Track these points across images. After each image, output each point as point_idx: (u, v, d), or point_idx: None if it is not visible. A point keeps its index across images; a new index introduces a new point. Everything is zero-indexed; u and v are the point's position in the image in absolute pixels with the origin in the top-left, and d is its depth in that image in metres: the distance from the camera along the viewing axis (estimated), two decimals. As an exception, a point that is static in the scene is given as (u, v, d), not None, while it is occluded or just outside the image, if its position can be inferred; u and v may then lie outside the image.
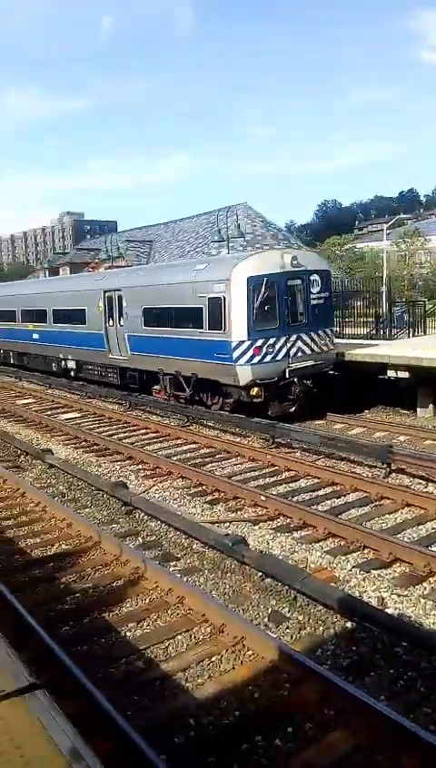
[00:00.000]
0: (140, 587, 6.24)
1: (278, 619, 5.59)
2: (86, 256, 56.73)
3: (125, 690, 4.62)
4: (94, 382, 19.68)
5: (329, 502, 8.59)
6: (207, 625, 5.44)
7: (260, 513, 8.27)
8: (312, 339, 14.17)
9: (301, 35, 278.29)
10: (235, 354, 13.13)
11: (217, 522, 8.03)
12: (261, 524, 7.91)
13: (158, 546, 7.41)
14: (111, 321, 17.87)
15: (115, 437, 12.98)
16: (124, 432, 13.66)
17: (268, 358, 13.28)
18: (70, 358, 20.76)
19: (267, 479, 9.75)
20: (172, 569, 6.67)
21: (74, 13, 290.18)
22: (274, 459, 10.54)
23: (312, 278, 14.28)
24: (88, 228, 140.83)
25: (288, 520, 7.91)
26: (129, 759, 3.72)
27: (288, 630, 5.41)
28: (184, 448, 11.99)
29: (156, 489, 9.50)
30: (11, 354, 25.74)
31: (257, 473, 10.10)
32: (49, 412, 16.13)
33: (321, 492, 9.02)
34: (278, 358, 13.43)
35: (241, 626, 5.23)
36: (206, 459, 11.07)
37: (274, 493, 8.86)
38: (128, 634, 5.46)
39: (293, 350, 13.73)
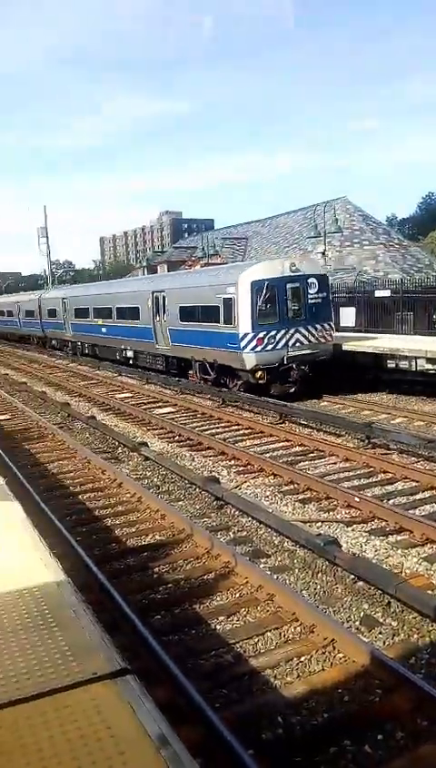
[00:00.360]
0: (230, 582, 6.29)
1: (370, 624, 5.44)
2: (183, 254, 57.78)
3: (214, 682, 4.67)
4: (147, 369, 22.57)
5: (428, 507, 8.26)
6: (297, 624, 5.39)
7: (353, 514, 8.10)
8: (309, 332, 16.74)
9: (408, 26, 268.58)
10: (242, 343, 16.06)
11: (309, 521, 7.94)
12: (354, 525, 7.74)
13: (249, 542, 7.43)
14: (157, 317, 21.02)
15: (208, 432, 13.15)
16: (217, 428, 13.81)
17: (269, 347, 16.07)
18: (129, 348, 24.21)
19: (361, 480, 9.52)
20: (262, 566, 6.67)
21: (175, 14, 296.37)
22: (369, 460, 10.28)
23: (309, 281, 16.84)
24: (186, 226, 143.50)
25: (383, 523, 7.69)
26: (216, 750, 3.76)
27: (381, 636, 5.26)
28: (277, 445, 11.96)
29: (248, 486, 9.54)
30: (86, 345, 29.58)
31: (351, 473, 9.88)
32: (145, 406, 16.59)
33: (419, 496, 8.70)
34: (278, 347, 16.16)
35: (332, 628, 5.14)
36: (298, 457, 10.98)
37: (369, 494, 8.64)
38: (218, 627, 5.52)
39: (292, 341, 16.39)
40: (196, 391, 18.29)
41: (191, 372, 19.59)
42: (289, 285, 16.51)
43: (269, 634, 5.32)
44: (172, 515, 8.06)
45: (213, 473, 10.12)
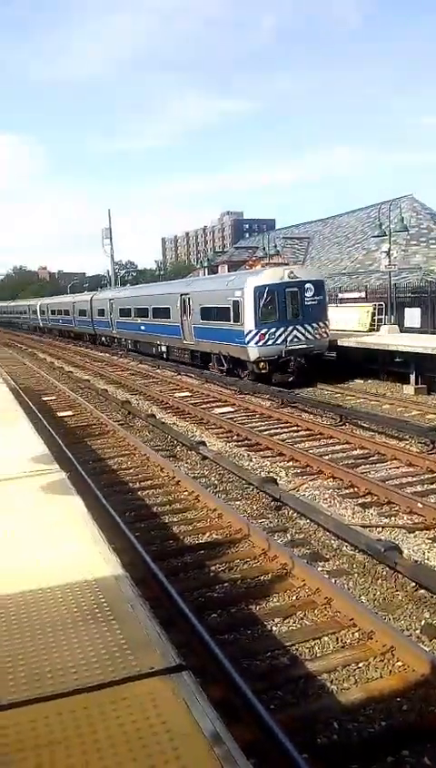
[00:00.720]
0: (287, 584, 6.24)
1: (432, 633, 5.29)
2: (244, 254, 57.78)
3: (269, 683, 4.64)
4: (176, 361, 25.74)
5: None
6: (355, 629, 5.29)
7: (416, 521, 7.88)
8: (306, 330, 19.26)
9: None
10: (247, 338, 18.84)
11: (369, 526, 7.78)
12: (416, 532, 7.54)
13: (306, 545, 7.35)
14: (184, 316, 23.89)
15: (266, 432, 13.10)
16: (275, 428, 13.74)
17: (270, 342, 18.75)
18: (162, 344, 27.52)
19: (425, 486, 9.26)
20: (319, 569, 6.58)
21: (235, 14, 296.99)
22: (433, 465, 9.98)
23: (306, 286, 19.42)
24: (247, 226, 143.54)
25: (446, 530, 7.45)
26: (270, 752, 3.73)
27: (442, 645, 5.10)
28: (336, 447, 11.79)
29: (306, 487, 9.44)
30: (129, 341, 33.16)
31: (414, 478, 9.63)
32: (204, 406, 16.68)
33: None
34: (278, 342, 18.83)
35: (391, 635, 5.02)
36: (359, 461, 10.78)
37: (433, 501, 8.39)
38: (274, 629, 5.48)
39: (290, 337, 18.98)
40: (254, 392, 18.28)
41: (211, 364, 22.46)
42: (287, 289, 19.16)
43: (326, 638, 5.25)
44: (229, 514, 8.07)
45: (271, 474, 10.07)
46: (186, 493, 9.24)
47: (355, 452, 11.36)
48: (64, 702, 2.66)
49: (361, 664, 4.83)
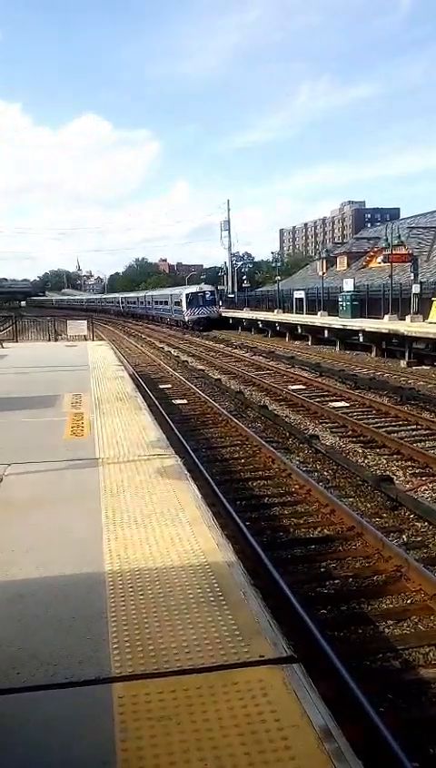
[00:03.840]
0: (401, 586, 6.04)
1: None
2: (364, 245, 56.18)
3: (379, 686, 4.53)
4: (167, 323, 56.23)
5: None
6: (474, 639, 5.03)
7: None
8: (206, 310, 47.71)
9: None
10: (185, 312, 48.18)
11: None
12: None
13: (423, 548, 7.06)
14: (174, 306, 52.88)
15: (383, 429, 12.70)
16: (393, 426, 13.30)
17: (197, 313, 47.39)
18: (169, 318, 56.08)
19: None
20: (436, 574, 6.30)
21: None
22: None
23: (206, 292, 49.21)
24: (369, 216, 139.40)
25: None
26: (376, 755, 3.64)
27: None
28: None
29: (425, 489, 9.06)
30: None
31: None
32: (318, 399, 16.47)
33: None
34: (196, 314, 47.34)
35: None
36: None
37: None
38: (386, 630, 5.33)
39: (199, 312, 47.58)
40: (371, 387, 17.79)
41: (176, 324, 52.03)
42: (198, 294, 48.37)
43: (442, 645, 5.02)
44: (341, 511, 7.92)
45: (387, 473, 9.77)
46: (297, 486, 9.16)
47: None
48: (178, 680, 2.75)
49: (479, 677, 4.58)
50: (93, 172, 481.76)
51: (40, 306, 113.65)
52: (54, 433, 8.10)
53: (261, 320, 43.15)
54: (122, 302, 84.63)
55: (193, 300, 47.40)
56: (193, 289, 50.22)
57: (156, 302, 61.22)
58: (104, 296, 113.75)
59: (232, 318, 49.23)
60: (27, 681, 2.78)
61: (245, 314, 49.45)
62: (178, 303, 49.77)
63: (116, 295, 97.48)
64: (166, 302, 56.04)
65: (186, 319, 47.29)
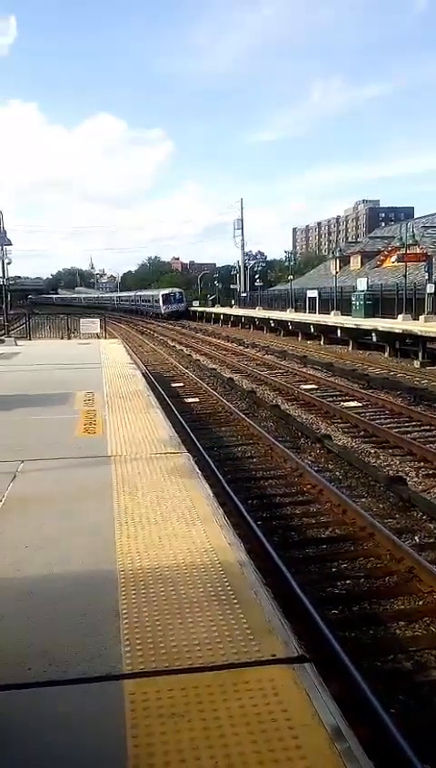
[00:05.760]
0: (413, 588, 6.00)
1: None
2: (378, 244, 55.88)
3: (390, 686, 4.50)
4: (150, 315, 72.25)
5: None
6: None
7: None
8: (177, 306, 69.01)
9: None
10: (162, 307, 68.55)
11: None
12: None
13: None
14: (154, 303, 72.48)
15: (396, 430, 12.63)
16: (407, 426, 13.22)
17: (170, 308, 67.89)
18: (151, 311, 73.23)
19: None
20: (448, 575, 6.25)
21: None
22: None
23: (176, 292, 71.80)
24: (383, 215, 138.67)
25: None
26: (386, 756, 3.62)
27: None
28: None
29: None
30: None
31: None
32: (330, 399, 16.41)
33: None
34: (170, 309, 67.82)
35: None
36: None
37: None
38: (397, 632, 5.31)
39: (172, 307, 68.17)
40: (384, 387, 17.70)
41: (159, 316, 67.63)
42: (170, 294, 70.29)
43: (453, 648, 4.99)
44: (353, 511, 7.89)
45: (399, 473, 9.72)
46: (309, 486, 9.14)
47: None
48: (189, 677, 2.75)
49: None
50: (106, 171, 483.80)
51: (44, 304, 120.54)
52: (67, 430, 8.14)
53: (273, 319, 43.12)
54: (115, 300, 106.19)
55: (166, 299, 68.88)
56: (167, 291, 72.62)
57: (142, 300, 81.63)
58: (102, 295, 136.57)
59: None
60: (38, 677, 2.79)
61: (257, 313, 49.49)
62: (157, 301, 70.53)
63: (111, 294, 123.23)
64: (148, 300, 76.72)
65: (162, 312, 67.58)
